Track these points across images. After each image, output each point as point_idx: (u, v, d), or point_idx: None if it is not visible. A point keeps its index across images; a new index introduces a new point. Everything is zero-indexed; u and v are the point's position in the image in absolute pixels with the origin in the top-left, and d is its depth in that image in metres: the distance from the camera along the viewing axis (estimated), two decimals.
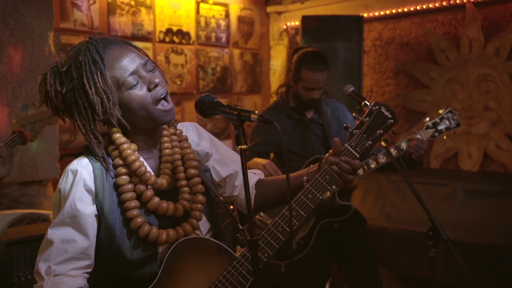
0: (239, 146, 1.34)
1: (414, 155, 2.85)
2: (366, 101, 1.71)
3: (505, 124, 4.11)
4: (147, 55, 1.59)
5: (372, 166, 2.93)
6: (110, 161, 1.53)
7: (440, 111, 2.84)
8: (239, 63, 5.17)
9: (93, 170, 1.50)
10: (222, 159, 1.78)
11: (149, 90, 1.48)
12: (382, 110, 1.68)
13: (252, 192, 1.78)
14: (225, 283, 1.53)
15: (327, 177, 1.59)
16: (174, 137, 1.65)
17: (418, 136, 2.82)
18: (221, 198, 1.73)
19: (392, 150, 2.93)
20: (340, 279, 3.88)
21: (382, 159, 2.88)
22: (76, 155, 1.57)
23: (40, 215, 2.88)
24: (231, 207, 2.19)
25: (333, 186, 1.64)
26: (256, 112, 1.32)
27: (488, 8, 4.20)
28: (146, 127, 1.55)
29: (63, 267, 1.45)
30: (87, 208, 1.47)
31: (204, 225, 1.65)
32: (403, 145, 2.82)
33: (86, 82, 1.45)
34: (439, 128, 2.82)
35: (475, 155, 4.27)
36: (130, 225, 1.48)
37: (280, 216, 1.57)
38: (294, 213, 1.56)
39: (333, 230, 3.07)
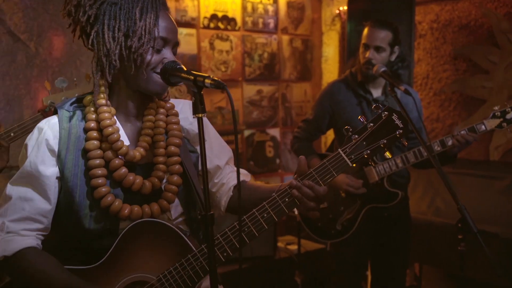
0: (196, 114, 1.25)
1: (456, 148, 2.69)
2: (378, 104, 1.52)
3: None
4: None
5: (412, 160, 2.77)
6: (82, 122, 1.48)
7: None
8: (288, 50, 5.04)
9: (59, 131, 1.44)
10: (210, 149, 1.66)
11: (162, 63, 1.43)
12: (393, 117, 1.48)
13: (229, 194, 1.67)
14: (175, 275, 1.44)
15: (286, 199, 1.45)
16: (161, 110, 1.56)
17: (464, 132, 2.62)
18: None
19: (436, 145, 2.73)
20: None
21: (421, 155, 2.76)
22: (54, 112, 1.51)
23: None
24: None
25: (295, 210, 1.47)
26: (211, 76, 1.23)
27: None
28: (134, 88, 1.48)
29: (17, 225, 1.42)
30: (48, 170, 1.42)
31: (176, 209, 1.55)
32: (449, 142, 2.66)
33: (137, 12, 1.39)
34: (509, 117, 2.50)
35: None
36: (93, 194, 1.42)
37: (231, 228, 1.46)
38: (246, 229, 1.45)
39: (381, 218, 2.94)
